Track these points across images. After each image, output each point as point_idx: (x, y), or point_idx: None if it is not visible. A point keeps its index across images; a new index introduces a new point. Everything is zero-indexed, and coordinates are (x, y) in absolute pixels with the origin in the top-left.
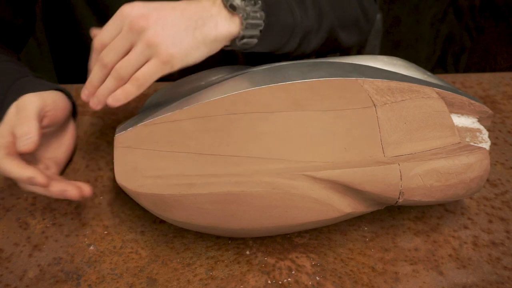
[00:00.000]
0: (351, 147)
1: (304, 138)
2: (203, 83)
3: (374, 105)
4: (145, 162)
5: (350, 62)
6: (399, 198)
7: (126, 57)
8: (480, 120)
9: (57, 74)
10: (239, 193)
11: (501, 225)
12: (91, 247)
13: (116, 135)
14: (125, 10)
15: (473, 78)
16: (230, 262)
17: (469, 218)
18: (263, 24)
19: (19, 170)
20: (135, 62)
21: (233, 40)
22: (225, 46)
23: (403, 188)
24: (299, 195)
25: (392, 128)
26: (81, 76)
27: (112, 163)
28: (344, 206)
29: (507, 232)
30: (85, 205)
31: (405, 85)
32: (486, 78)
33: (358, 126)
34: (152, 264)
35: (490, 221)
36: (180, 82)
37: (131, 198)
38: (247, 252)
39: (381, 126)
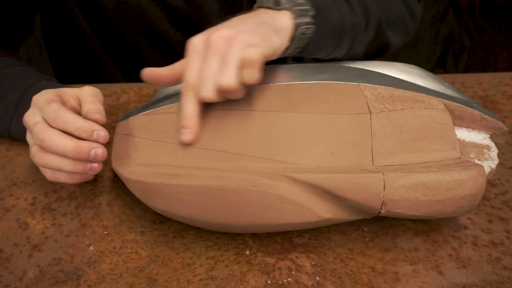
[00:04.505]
0: (339, 153)
1: (293, 139)
2: None
3: (370, 112)
4: (139, 149)
5: (360, 67)
6: (381, 208)
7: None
8: (493, 137)
9: (55, 74)
10: (217, 188)
11: (501, 225)
12: (91, 247)
13: (118, 122)
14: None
15: (472, 78)
16: (230, 262)
17: (469, 218)
18: (312, 10)
19: (82, 121)
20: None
21: (292, 37)
22: (287, 48)
23: (385, 198)
24: (277, 196)
25: (386, 136)
26: (79, 76)
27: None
28: (324, 211)
29: (507, 232)
30: (85, 205)
31: (410, 94)
32: (486, 78)
33: (350, 132)
34: (152, 264)
35: (490, 221)
36: None
37: (131, 198)
38: (247, 252)
39: (374, 134)
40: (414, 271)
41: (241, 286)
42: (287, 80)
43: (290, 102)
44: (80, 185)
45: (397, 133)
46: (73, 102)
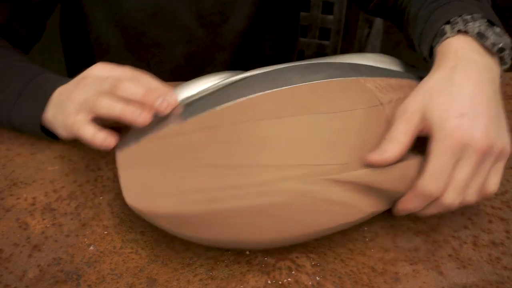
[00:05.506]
0: (366, 147)
1: (317, 141)
2: (201, 88)
3: (381, 103)
4: (156, 179)
5: (346, 61)
6: None
7: (472, 182)
8: None
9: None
10: (268, 205)
11: (501, 225)
12: (91, 247)
13: (117, 152)
14: (467, 138)
15: None
16: (230, 262)
17: (469, 218)
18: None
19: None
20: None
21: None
22: None
23: None
24: (325, 200)
25: None
26: None
27: (112, 163)
28: (367, 206)
29: (507, 232)
30: (85, 205)
31: (404, 81)
32: None
33: (369, 125)
34: (152, 264)
35: (490, 221)
36: (179, 88)
37: None
38: (247, 252)
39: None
40: (414, 271)
41: (241, 286)
42: (290, 83)
43: (302, 105)
44: (80, 185)
45: None
46: None
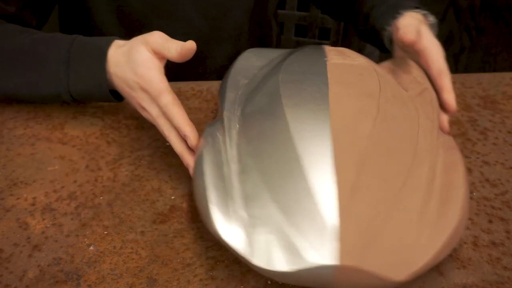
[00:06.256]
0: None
1: (400, 109)
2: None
3: (373, 68)
4: (394, 235)
5: (276, 64)
6: None
7: None
8: None
9: None
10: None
11: (501, 225)
12: (91, 247)
13: (339, 263)
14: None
15: (473, 78)
16: (230, 262)
17: (469, 218)
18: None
19: (183, 121)
20: None
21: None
22: None
23: None
24: (453, 149)
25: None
26: None
27: (112, 163)
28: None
29: (507, 232)
30: (85, 205)
31: (328, 49)
32: (486, 78)
33: (392, 84)
34: (152, 264)
35: (490, 221)
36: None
37: (131, 198)
38: None
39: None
40: None
41: (241, 286)
42: (322, 97)
43: (368, 94)
44: (80, 185)
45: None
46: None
